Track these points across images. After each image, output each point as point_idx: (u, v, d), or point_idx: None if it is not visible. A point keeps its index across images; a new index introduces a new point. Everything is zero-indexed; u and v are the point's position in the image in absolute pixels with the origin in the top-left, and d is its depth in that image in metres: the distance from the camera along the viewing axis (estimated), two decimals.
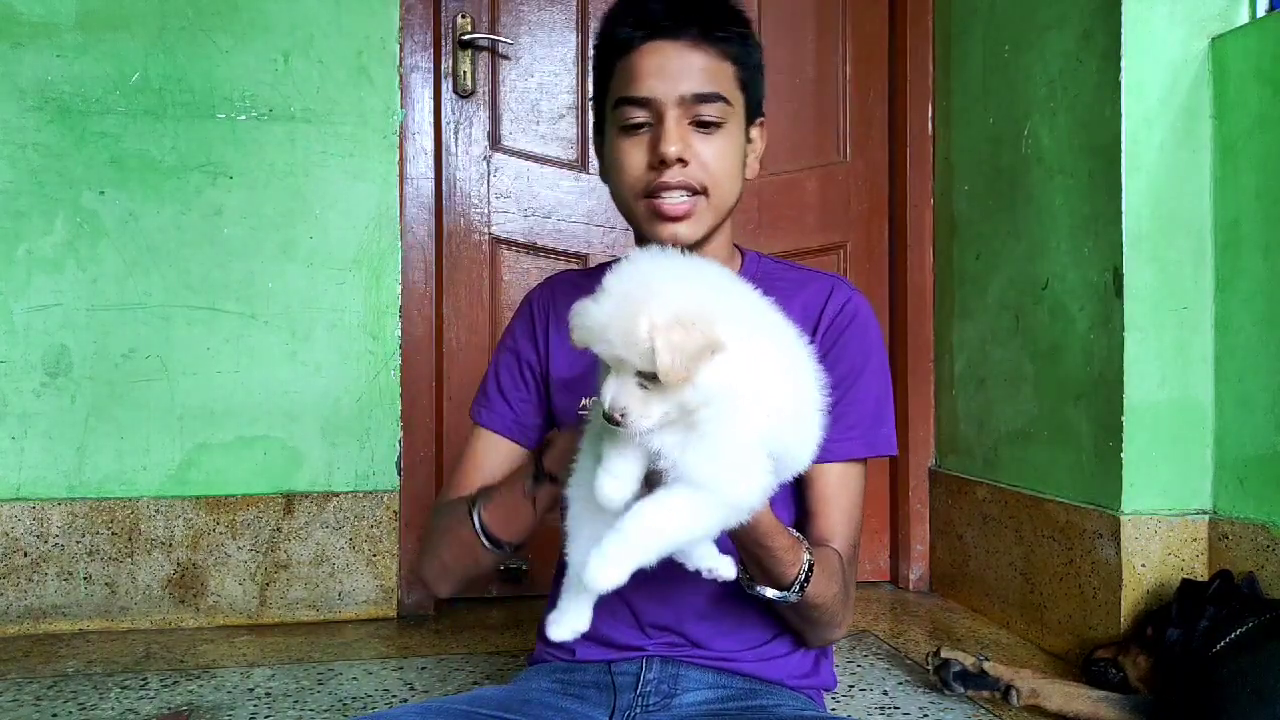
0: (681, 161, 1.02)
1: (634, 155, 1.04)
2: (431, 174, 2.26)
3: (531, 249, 2.36)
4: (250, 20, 2.13)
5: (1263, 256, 1.65)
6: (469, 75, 2.31)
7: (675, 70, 1.02)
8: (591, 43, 1.16)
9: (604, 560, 0.75)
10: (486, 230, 2.35)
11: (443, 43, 2.30)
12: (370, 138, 2.19)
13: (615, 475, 0.78)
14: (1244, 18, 1.73)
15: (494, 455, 1.19)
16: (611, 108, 1.06)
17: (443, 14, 2.30)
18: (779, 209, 2.45)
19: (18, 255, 2.06)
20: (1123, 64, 1.72)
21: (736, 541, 0.92)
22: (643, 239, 1.10)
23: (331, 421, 2.18)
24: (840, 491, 1.09)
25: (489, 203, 2.34)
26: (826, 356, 1.06)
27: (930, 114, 2.44)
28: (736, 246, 1.19)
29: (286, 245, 2.16)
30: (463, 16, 2.30)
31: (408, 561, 2.21)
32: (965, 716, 1.56)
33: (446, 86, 2.31)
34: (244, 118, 2.14)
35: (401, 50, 2.22)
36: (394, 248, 2.21)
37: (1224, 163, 1.72)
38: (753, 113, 1.10)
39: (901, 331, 2.46)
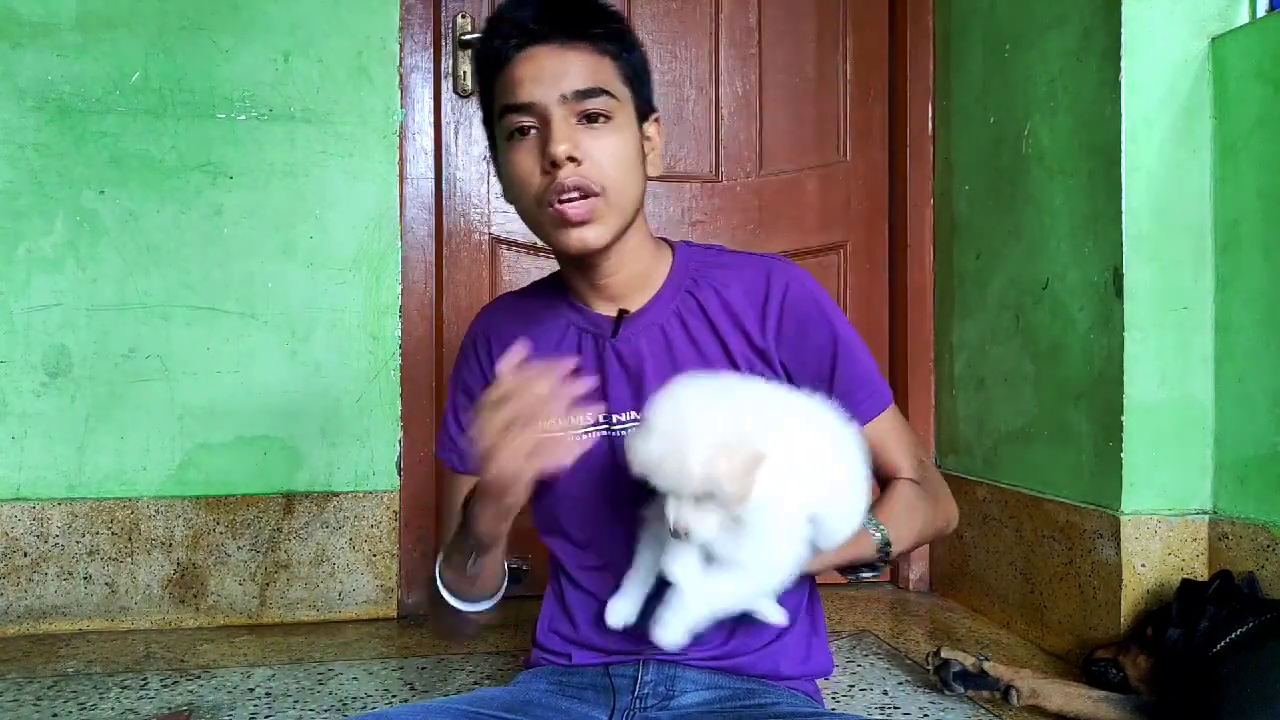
0: (574, 160, 0.99)
1: (525, 162, 1.01)
2: (431, 174, 2.26)
3: (531, 249, 2.36)
4: (250, 20, 2.13)
5: (1263, 256, 1.64)
6: (469, 75, 2.31)
7: (553, 72, 1.00)
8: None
9: (665, 628, 0.91)
10: (486, 230, 2.35)
11: (443, 43, 2.30)
12: (370, 138, 2.19)
13: (680, 561, 0.91)
14: (1244, 18, 1.73)
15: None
16: (498, 120, 1.04)
17: (443, 14, 2.30)
18: (779, 209, 2.44)
19: (18, 255, 2.06)
20: (1123, 64, 1.72)
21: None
22: (556, 250, 1.08)
23: (331, 421, 2.18)
24: (890, 435, 1.12)
25: (489, 203, 2.34)
26: (793, 335, 1.08)
27: (930, 114, 2.44)
28: (665, 240, 1.17)
29: (286, 245, 2.16)
30: (463, 16, 2.30)
31: (408, 561, 2.22)
32: (965, 716, 1.56)
33: (446, 86, 2.31)
34: (244, 118, 2.14)
35: (401, 50, 2.22)
36: (394, 248, 2.21)
37: (1224, 163, 1.72)
38: (644, 109, 1.08)
39: (901, 331, 2.45)
